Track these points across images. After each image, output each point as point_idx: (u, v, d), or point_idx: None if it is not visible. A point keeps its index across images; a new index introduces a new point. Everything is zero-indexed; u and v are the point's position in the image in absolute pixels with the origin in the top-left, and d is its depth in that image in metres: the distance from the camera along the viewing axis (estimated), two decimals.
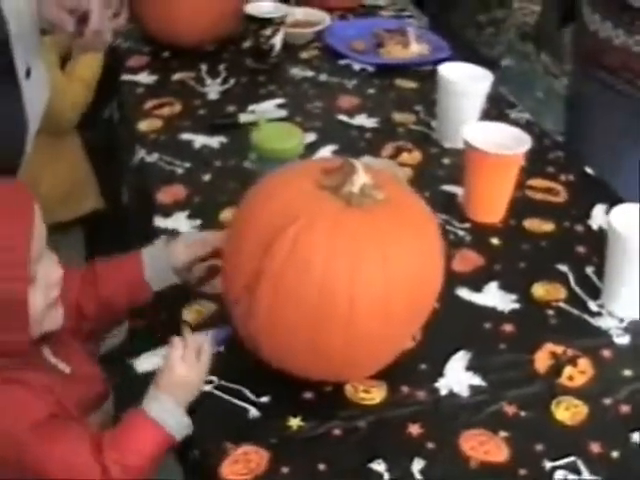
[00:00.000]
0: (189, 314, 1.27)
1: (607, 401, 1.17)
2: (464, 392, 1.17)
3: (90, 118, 2.00)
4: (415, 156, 1.67)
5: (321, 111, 1.80)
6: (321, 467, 1.05)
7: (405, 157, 1.66)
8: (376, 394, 1.16)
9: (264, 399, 1.14)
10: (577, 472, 1.07)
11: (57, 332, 1.16)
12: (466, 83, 1.66)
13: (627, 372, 1.22)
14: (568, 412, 1.15)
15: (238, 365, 1.18)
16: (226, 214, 1.46)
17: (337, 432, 1.10)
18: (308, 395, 1.15)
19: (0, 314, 1.04)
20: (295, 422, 1.11)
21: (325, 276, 1.03)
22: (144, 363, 1.20)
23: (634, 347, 1.26)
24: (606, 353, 1.25)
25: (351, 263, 1.03)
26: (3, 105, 1.34)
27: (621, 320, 1.30)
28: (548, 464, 1.08)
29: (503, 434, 1.11)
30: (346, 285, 1.03)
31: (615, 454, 1.10)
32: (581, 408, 1.16)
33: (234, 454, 1.06)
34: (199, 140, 1.67)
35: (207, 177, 1.56)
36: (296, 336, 1.06)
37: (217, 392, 1.15)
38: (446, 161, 1.67)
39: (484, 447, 1.10)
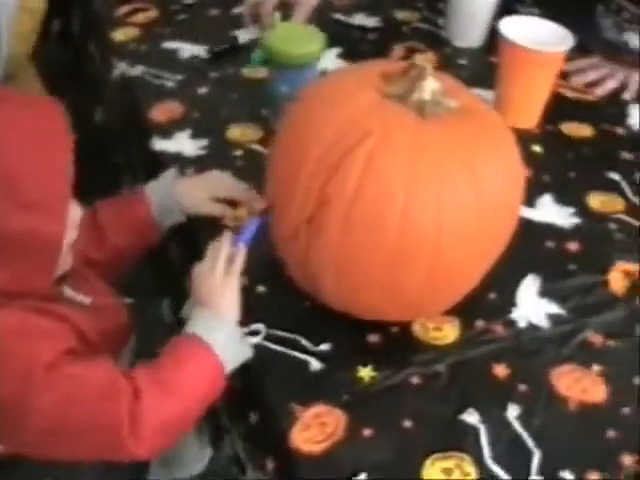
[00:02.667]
0: None
1: None
2: (543, 323, 1.04)
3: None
4: (429, 57, 1.50)
5: (313, 11, 1.59)
6: (407, 424, 0.91)
7: (419, 59, 1.47)
8: (449, 332, 1.01)
9: (324, 347, 0.98)
10: None
11: (72, 269, 0.99)
12: None
13: None
14: None
15: (287, 310, 1.02)
16: (234, 132, 1.27)
17: (415, 380, 0.95)
18: (373, 339, 0.99)
19: (33, 256, 0.88)
20: (366, 372, 0.95)
21: (409, 200, 0.85)
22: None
23: None
24: None
25: (438, 183, 0.86)
26: None
27: None
28: None
29: (597, 368, 0.99)
30: (433, 210, 0.86)
31: None
32: None
33: (303, 417, 0.90)
34: (186, 49, 1.45)
35: (203, 90, 1.35)
36: (370, 270, 0.89)
37: (267, 343, 0.98)
38: (462, 62, 1.51)
39: (580, 385, 0.97)
